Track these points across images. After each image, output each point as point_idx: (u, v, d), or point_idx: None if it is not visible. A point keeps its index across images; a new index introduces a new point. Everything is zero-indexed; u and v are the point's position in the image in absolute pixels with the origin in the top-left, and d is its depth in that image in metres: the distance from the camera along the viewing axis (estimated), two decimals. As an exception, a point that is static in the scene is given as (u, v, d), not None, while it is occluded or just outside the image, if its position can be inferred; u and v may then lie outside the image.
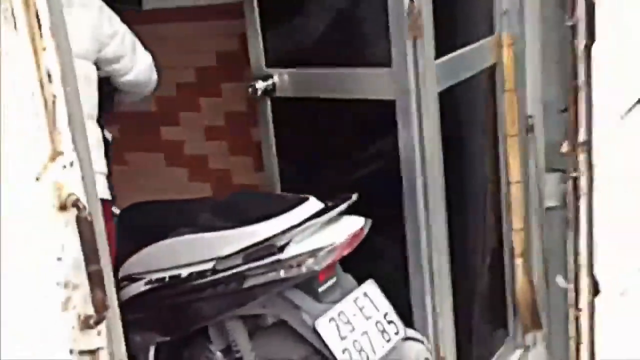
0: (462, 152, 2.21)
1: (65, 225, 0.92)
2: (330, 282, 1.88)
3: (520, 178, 2.22)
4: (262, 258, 1.80)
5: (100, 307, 0.94)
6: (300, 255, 1.79)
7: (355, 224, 1.87)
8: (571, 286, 2.09)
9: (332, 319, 1.82)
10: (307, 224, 1.80)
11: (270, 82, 2.18)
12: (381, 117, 2.01)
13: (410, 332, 1.93)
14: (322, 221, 1.82)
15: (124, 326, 1.88)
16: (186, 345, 2.05)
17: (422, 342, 1.93)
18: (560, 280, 2.12)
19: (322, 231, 1.84)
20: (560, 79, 2.00)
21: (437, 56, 1.96)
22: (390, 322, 1.89)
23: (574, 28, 1.85)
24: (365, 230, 1.88)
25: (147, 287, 1.99)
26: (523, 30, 2.18)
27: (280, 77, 2.18)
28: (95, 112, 1.92)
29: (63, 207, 0.91)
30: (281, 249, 1.79)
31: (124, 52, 1.99)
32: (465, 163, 2.25)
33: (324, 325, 1.80)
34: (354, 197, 1.87)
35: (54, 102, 0.91)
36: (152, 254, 1.99)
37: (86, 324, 0.94)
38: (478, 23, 2.21)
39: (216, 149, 3.30)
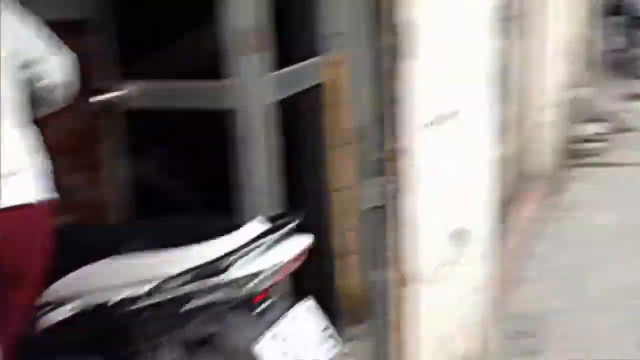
0: (297, 160, 2.64)
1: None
2: (269, 301, 2.03)
3: (348, 184, 2.68)
4: (205, 279, 1.92)
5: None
6: (244, 277, 1.93)
7: (299, 243, 2.04)
8: (385, 278, 2.58)
9: (272, 337, 1.97)
10: (252, 245, 1.95)
11: (117, 94, 2.44)
12: (222, 126, 2.33)
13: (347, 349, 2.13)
14: (266, 242, 1.97)
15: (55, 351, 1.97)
16: None
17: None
18: (376, 273, 2.58)
19: (267, 252, 1.98)
20: (378, 94, 2.50)
21: (274, 70, 2.34)
22: (329, 337, 2.08)
23: (385, 49, 2.36)
24: (309, 248, 2.05)
25: (72, 313, 2.03)
26: (354, 50, 2.59)
27: (127, 90, 2.44)
28: (24, 115, 1.94)
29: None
30: (225, 270, 1.92)
31: (43, 54, 2.01)
32: (301, 170, 2.70)
33: (263, 347, 1.94)
34: (299, 219, 2.06)
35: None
36: (82, 276, 2.03)
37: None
38: (312, 42, 2.61)
39: (59, 166, 3.50)
